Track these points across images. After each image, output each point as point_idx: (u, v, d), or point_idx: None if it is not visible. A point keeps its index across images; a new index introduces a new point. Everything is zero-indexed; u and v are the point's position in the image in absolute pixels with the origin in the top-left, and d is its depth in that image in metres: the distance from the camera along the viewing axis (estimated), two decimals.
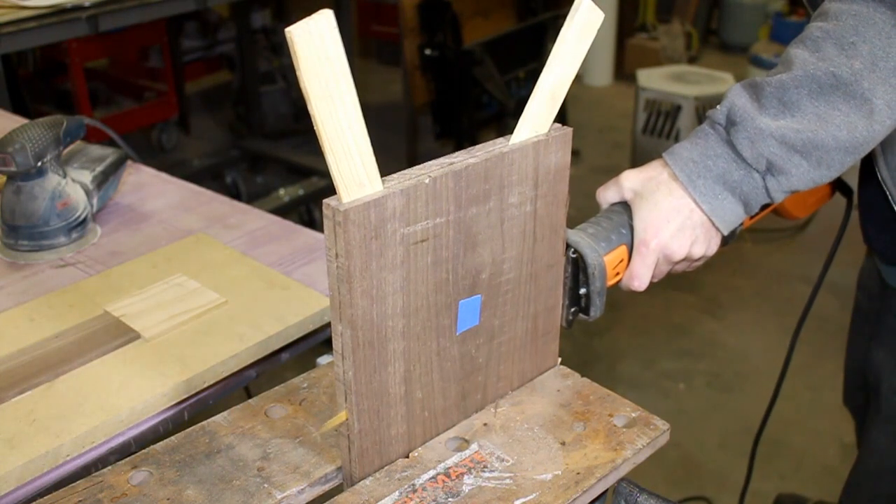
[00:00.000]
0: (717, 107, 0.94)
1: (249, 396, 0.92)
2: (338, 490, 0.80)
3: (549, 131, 0.81)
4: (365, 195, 0.68)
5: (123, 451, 0.90)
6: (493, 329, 0.84)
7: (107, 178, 1.35)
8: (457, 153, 0.77)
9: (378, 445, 0.79)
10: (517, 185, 0.79)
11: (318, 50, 0.61)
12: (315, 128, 0.64)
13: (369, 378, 0.75)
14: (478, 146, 0.78)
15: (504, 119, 3.97)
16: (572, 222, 0.89)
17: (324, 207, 0.68)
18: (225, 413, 0.88)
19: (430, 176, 0.72)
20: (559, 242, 0.87)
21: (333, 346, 0.73)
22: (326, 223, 0.68)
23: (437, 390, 0.81)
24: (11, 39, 2.27)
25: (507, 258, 0.82)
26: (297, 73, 0.62)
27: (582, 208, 3.90)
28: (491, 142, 0.80)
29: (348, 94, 0.64)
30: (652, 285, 0.99)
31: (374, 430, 0.78)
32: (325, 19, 0.61)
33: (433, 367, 0.80)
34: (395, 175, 0.72)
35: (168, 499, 0.77)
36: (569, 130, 0.82)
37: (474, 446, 0.83)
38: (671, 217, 0.94)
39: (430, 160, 0.77)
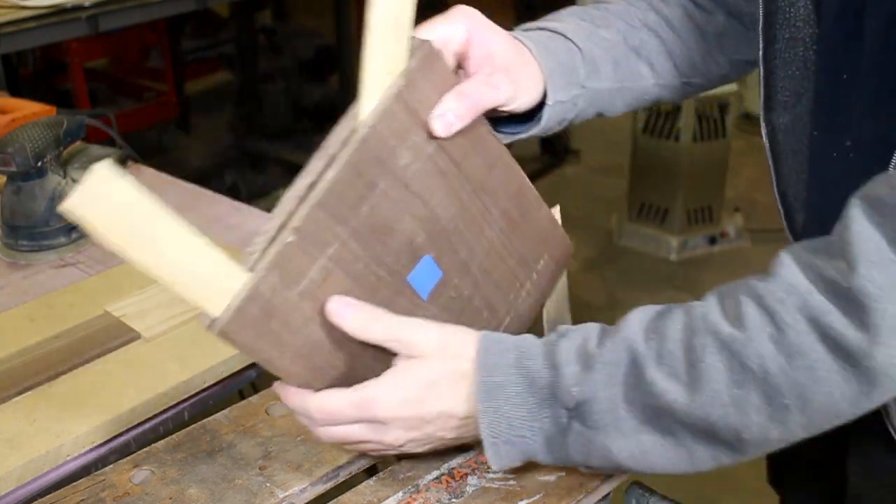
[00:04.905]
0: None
1: (252, 394, 0.92)
2: (340, 489, 0.80)
3: (407, 65, 0.69)
4: (232, 295, 0.63)
5: (124, 451, 0.90)
6: (462, 262, 0.78)
7: None
8: (313, 160, 0.68)
9: None
10: (401, 148, 0.69)
11: (112, 210, 0.57)
12: (148, 272, 0.61)
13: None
14: (334, 133, 0.68)
15: None
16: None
17: (202, 323, 0.64)
18: (226, 411, 0.88)
19: (294, 231, 0.64)
20: (489, 137, 0.77)
21: None
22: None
23: None
24: (11, 39, 2.27)
25: (437, 204, 0.74)
26: (102, 241, 0.58)
27: (582, 208, 3.91)
28: (345, 122, 0.68)
29: (164, 225, 0.59)
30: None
31: None
32: (98, 178, 0.55)
33: None
34: (258, 240, 0.65)
35: (170, 498, 0.77)
36: (427, 43, 0.70)
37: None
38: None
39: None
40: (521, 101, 0.78)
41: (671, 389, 0.63)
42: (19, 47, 2.42)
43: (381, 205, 0.69)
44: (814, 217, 0.84)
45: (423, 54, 0.69)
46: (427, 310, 0.76)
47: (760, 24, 0.82)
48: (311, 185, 0.66)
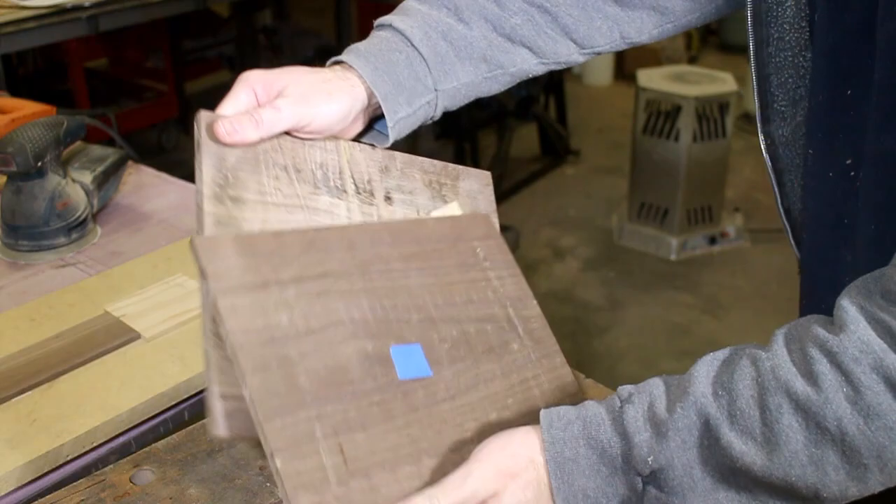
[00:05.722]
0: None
1: None
2: None
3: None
4: None
5: (124, 452, 0.90)
6: (421, 319, 0.77)
7: (107, 179, 1.35)
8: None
9: None
10: (272, 318, 0.69)
11: None
12: None
13: None
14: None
15: (504, 119, 3.97)
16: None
17: None
18: None
19: (275, 454, 0.64)
20: (324, 233, 0.77)
21: None
22: None
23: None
24: (11, 39, 2.27)
25: (348, 313, 0.73)
26: None
27: (582, 208, 3.91)
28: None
29: None
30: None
31: None
32: None
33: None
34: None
35: (170, 498, 0.77)
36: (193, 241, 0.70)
37: None
38: None
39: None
40: (323, 119, 0.79)
41: (748, 451, 0.62)
42: (19, 47, 2.42)
43: (309, 362, 0.68)
44: (815, 233, 0.82)
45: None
46: (443, 378, 0.75)
47: (749, 21, 0.79)
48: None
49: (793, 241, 0.88)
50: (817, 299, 0.85)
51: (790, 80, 0.80)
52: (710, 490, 0.65)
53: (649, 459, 0.65)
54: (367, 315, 0.74)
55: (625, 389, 0.69)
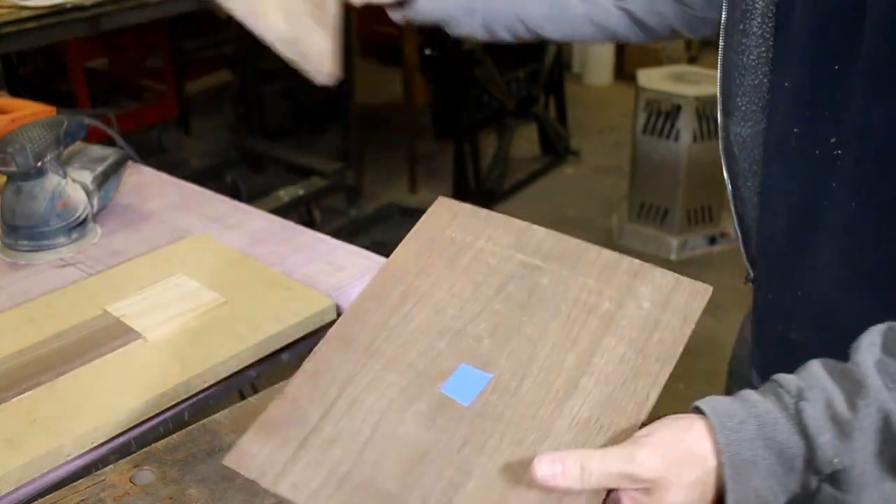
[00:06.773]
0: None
1: (252, 394, 0.92)
2: None
3: None
4: None
5: (123, 451, 0.90)
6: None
7: (107, 179, 1.35)
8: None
9: None
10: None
11: None
12: None
13: None
14: None
15: (504, 119, 3.97)
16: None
17: None
18: (226, 411, 0.88)
19: None
20: None
21: None
22: None
23: None
24: (11, 39, 2.27)
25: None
26: None
27: (582, 208, 3.91)
28: None
29: None
30: None
31: None
32: None
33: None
34: None
35: (170, 497, 0.77)
36: None
37: None
38: None
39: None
40: None
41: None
42: (19, 47, 2.42)
43: (387, 469, 0.69)
44: (790, 215, 0.82)
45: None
46: (504, 369, 0.73)
47: (724, 18, 0.79)
48: None
49: (743, 249, 0.88)
50: (780, 289, 0.85)
51: (765, 79, 0.80)
52: (878, 482, 0.64)
53: (834, 461, 0.63)
54: (402, 383, 0.73)
55: (790, 382, 0.66)
